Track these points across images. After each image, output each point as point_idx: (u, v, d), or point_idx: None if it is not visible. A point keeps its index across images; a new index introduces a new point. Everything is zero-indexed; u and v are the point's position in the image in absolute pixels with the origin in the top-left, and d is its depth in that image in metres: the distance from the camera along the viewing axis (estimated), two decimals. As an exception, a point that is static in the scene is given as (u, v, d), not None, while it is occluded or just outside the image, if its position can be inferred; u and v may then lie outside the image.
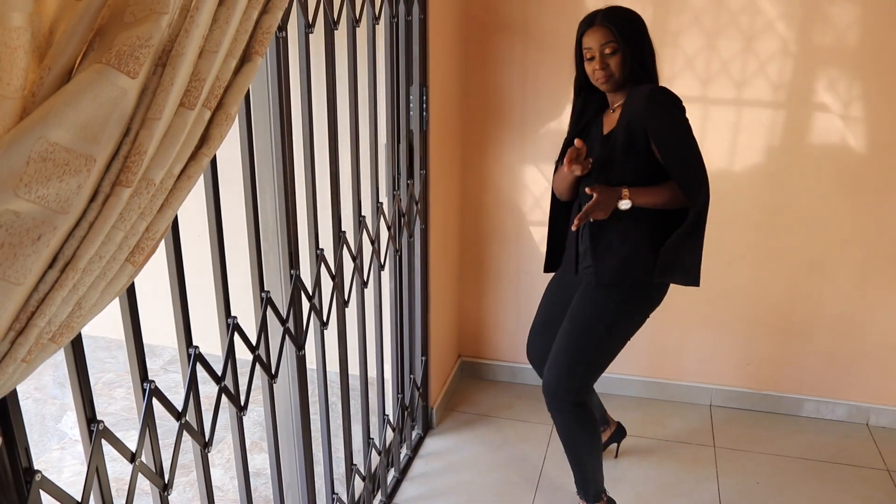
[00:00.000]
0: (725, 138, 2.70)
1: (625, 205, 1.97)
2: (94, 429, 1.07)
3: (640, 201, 1.97)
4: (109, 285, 0.92)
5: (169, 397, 1.26)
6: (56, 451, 2.77)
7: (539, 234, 3.00)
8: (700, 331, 2.99)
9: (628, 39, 1.93)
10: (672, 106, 1.92)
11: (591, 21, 1.96)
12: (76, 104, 0.81)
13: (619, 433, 2.66)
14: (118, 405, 3.11)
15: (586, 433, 2.18)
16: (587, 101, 2.13)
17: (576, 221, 1.94)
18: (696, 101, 2.68)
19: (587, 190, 1.95)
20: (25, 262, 0.79)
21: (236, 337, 1.46)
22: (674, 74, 2.66)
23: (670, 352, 3.05)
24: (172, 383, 3.26)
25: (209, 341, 1.48)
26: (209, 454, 1.42)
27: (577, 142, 1.95)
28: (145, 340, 1.22)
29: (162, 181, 0.95)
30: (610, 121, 2.05)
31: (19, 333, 0.81)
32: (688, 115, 1.96)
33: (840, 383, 2.94)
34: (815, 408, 2.98)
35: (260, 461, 2.72)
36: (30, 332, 0.81)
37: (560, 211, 2.24)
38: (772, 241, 2.80)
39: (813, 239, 2.76)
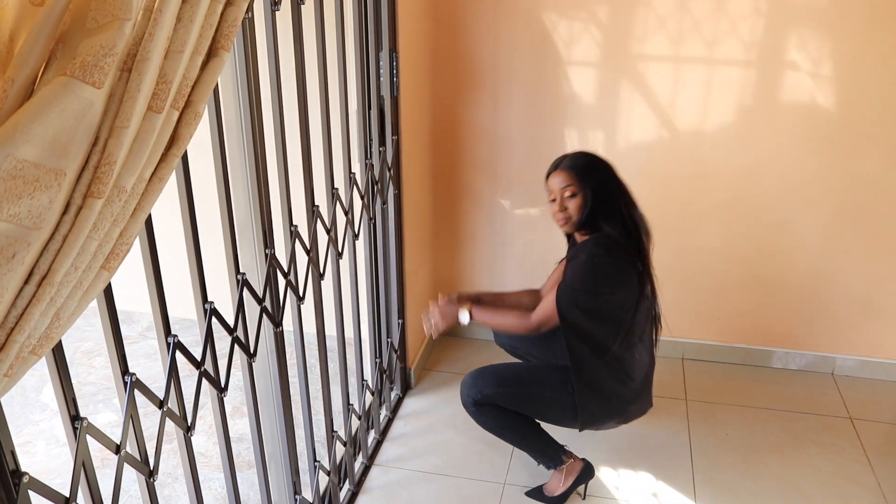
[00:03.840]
0: (697, 97, 2.71)
1: (463, 317, 2.19)
2: (78, 426, 1.09)
3: (478, 318, 2.19)
4: (86, 293, 0.93)
5: (147, 365, 1.28)
6: (40, 423, 2.79)
7: (510, 198, 3.02)
8: (671, 286, 3.04)
9: (588, 182, 2.03)
10: (589, 271, 2.01)
11: (556, 165, 2.10)
12: (42, 119, 0.81)
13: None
14: (98, 374, 3.13)
15: (500, 420, 2.19)
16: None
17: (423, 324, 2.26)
18: (669, 61, 2.68)
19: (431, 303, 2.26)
20: (1, 281, 0.80)
21: (214, 320, 1.48)
22: (646, 34, 2.65)
23: (643, 307, 3.11)
24: (151, 350, 3.28)
25: (192, 307, 1.49)
26: (191, 436, 1.45)
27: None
28: (122, 307, 1.22)
29: (133, 187, 0.95)
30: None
31: (0, 350, 0.82)
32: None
33: (807, 335, 3.02)
34: (783, 359, 3.07)
35: (242, 425, 2.76)
36: (10, 347, 0.82)
37: None
38: (742, 198, 2.84)
39: (782, 196, 2.80)
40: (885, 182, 2.70)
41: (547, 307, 2.07)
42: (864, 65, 2.56)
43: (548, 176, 2.12)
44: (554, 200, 2.09)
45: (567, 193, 2.04)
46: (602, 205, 2.03)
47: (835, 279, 2.90)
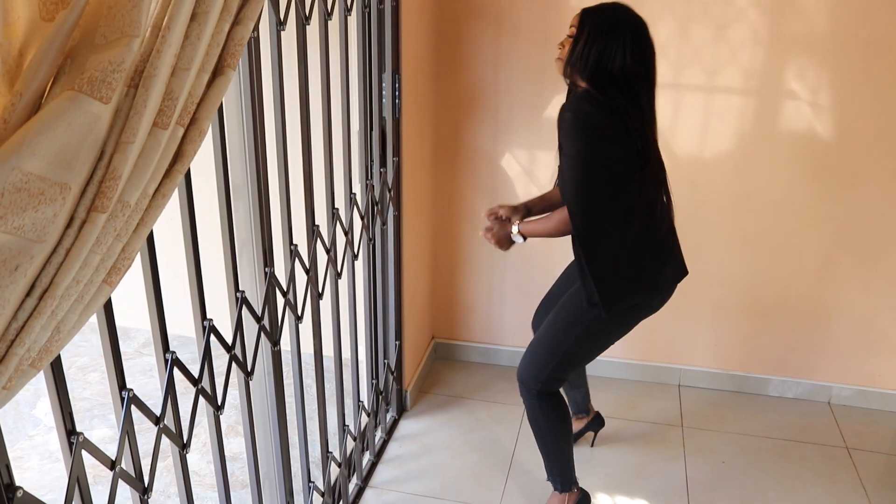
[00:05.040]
0: (697, 124, 2.73)
1: (518, 239, 2.12)
2: (74, 441, 1.09)
3: (529, 232, 2.08)
4: (87, 307, 0.93)
5: (143, 381, 1.27)
6: (33, 438, 2.77)
7: (512, 218, 3.03)
8: (669, 313, 3.03)
9: (588, 23, 1.87)
10: (573, 128, 1.85)
11: None
12: (49, 133, 0.81)
13: (597, 422, 2.69)
14: (93, 389, 3.11)
15: (552, 423, 2.19)
16: None
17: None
18: (669, 88, 2.70)
19: (482, 233, 2.18)
20: (3, 293, 0.80)
21: (212, 337, 1.48)
22: (645, 61, 2.67)
23: (641, 333, 3.10)
24: (147, 366, 3.26)
25: (190, 324, 1.48)
26: (187, 454, 1.44)
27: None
28: (118, 323, 1.22)
29: (137, 202, 0.96)
30: None
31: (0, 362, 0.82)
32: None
33: (804, 363, 3.02)
34: (779, 387, 3.07)
35: (236, 444, 2.74)
36: (10, 360, 0.82)
37: None
38: (740, 226, 2.85)
39: (780, 224, 2.81)
40: (882, 211, 2.71)
41: (563, 188, 1.94)
42: (861, 95, 2.58)
43: None
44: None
45: (568, 34, 1.92)
46: (588, 52, 1.86)
47: (832, 307, 2.90)
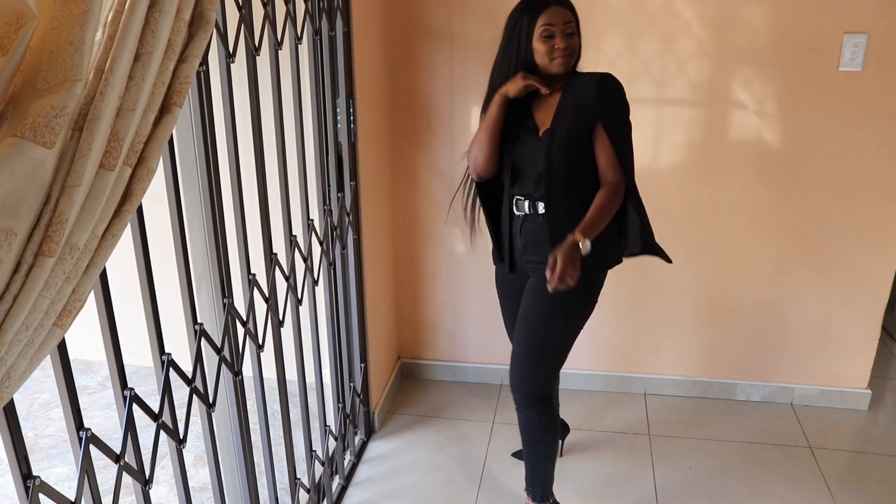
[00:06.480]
0: (649, 136, 2.79)
1: (586, 247, 1.87)
2: (30, 485, 1.08)
3: (593, 233, 1.91)
4: (38, 351, 0.93)
5: (108, 415, 1.26)
6: (-7, 479, 2.72)
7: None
8: (631, 322, 3.08)
9: (578, 26, 2.00)
10: (622, 92, 2.00)
11: (546, 3, 1.94)
12: (-7, 180, 0.81)
13: (563, 429, 2.73)
14: (56, 426, 3.05)
15: (546, 432, 2.23)
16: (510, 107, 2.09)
17: (550, 287, 1.85)
18: (619, 102, 2.75)
19: (547, 273, 1.85)
20: (-51, 343, 0.80)
21: (172, 371, 1.47)
22: (596, 76, 2.72)
23: (604, 343, 3.15)
24: (111, 399, 3.22)
25: (149, 356, 1.47)
26: (150, 490, 1.43)
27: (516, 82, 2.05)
28: (80, 357, 1.22)
29: (86, 244, 0.96)
30: (544, 116, 2.03)
31: (-53, 412, 0.82)
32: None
33: (765, 366, 3.07)
34: (743, 390, 3.12)
35: (204, 475, 2.71)
36: (-42, 409, 0.82)
37: (491, 199, 2.23)
38: (697, 234, 2.90)
39: (735, 230, 2.87)
40: (831, 214, 2.78)
41: (612, 158, 2.02)
42: (805, 103, 2.66)
43: (540, 13, 1.94)
44: (551, 37, 1.94)
45: (569, 31, 1.95)
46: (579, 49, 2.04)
47: (790, 310, 2.96)
